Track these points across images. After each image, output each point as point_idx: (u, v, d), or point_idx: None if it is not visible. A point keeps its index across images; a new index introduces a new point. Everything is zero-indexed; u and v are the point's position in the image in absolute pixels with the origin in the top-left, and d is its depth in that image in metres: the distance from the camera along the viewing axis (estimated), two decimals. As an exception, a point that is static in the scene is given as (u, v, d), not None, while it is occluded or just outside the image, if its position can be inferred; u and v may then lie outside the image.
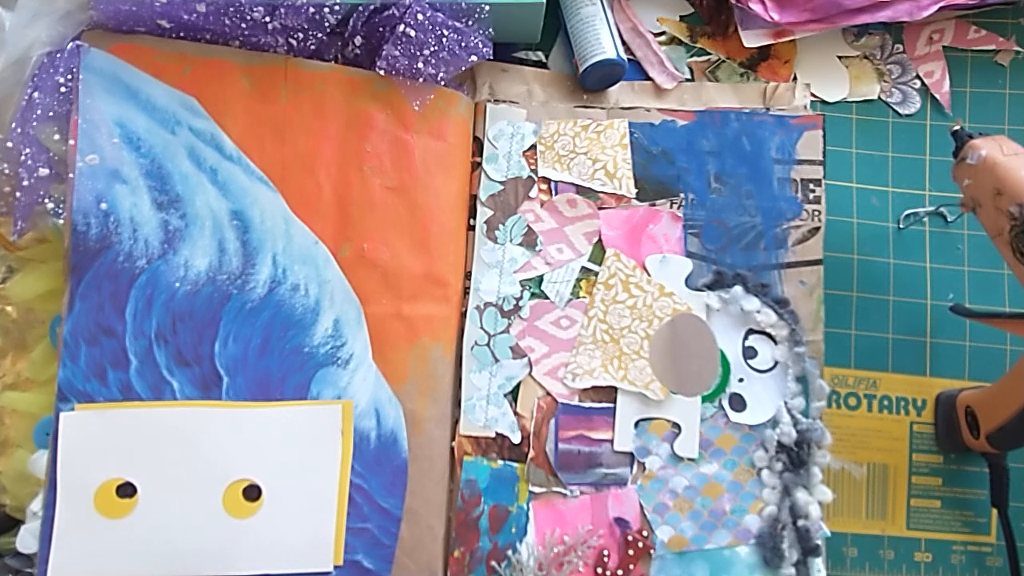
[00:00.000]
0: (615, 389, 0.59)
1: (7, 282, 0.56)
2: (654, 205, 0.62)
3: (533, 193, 0.61)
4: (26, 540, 0.52)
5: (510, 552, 0.57)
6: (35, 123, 0.53)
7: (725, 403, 0.59)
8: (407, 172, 0.58)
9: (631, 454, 0.58)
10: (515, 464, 0.58)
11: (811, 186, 0.62)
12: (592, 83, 0.64)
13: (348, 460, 0.55)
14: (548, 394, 0.59)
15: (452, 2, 0.56)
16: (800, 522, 0.57)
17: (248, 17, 0.55)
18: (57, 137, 0.54)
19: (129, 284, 0.54)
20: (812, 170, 0.62)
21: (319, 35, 0.57)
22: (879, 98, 0.67)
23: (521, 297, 0.60)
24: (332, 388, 0.56)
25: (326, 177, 0.57)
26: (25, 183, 0.53)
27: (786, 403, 0.59)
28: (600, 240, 0.61)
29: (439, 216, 0.59)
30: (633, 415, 0.59)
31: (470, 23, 0.58)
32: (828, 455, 0.59)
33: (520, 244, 0.61)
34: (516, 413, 0.58)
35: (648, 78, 0.66)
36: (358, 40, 0.58)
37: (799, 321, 0.60)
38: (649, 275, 0.61)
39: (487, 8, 0.57)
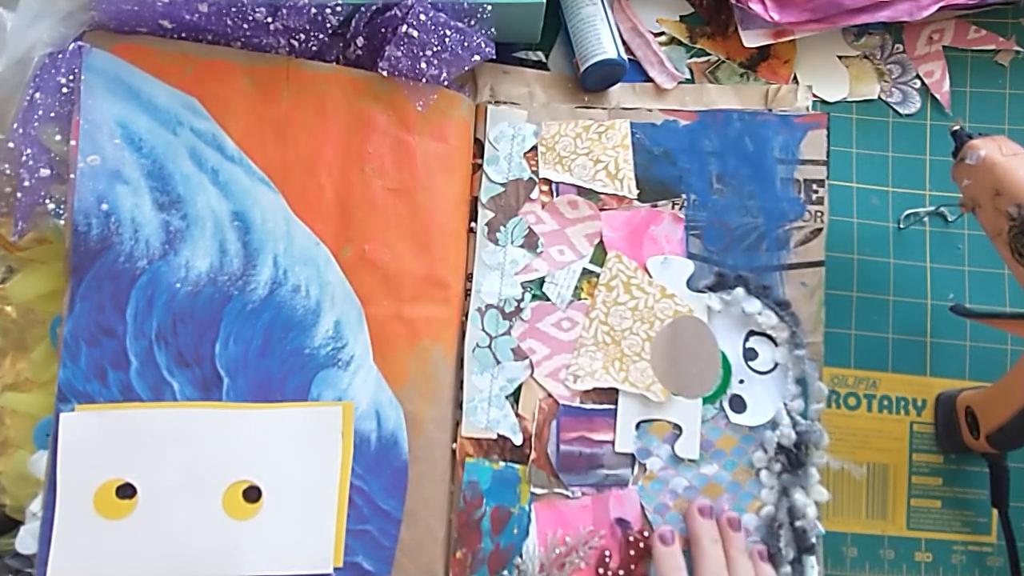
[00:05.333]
0: (616, 391, 0.59)
1: (7, 282, 0.56)
2: (656, 206, 0.62)
3: (534, 195, 0.61)
4: (26, 541, 0.52)
5: (513, 554, 0.57)
6: (37, 124, 0.53)
7: (726, 404, 0.59)
8: (408, 173, 0.58)
9: (632, 455, 0.59)
10: (517, 465, 0.58)
11: (814, 186, 0.62)
12: (593, 83, 0.64)
13: (348, 462, 0.55)
14: (549, 396, 0.59)
15: (454, 2, 0.56)
16: (797, 522, 0.57)
17: (250, 18, 0.54)
18: (59, 138, 0.54)
19: (130, 285, 0.54)
20: (815, 170, 0.62)
21: (321, 36, 0.57)
22: (879, 98, 0.67)
23: (522, 299, 0.60)
24: (333, 390, 0.56)
25: (327, 178, 0.57)
26: (26, 184, 0.53)
27: (786, 405, 0.59)
28: (601, 241, 0.61)
29: (440, 218, 0.59)
30: (634, 416, 0.59)
31: (472, 23, 0.57)
32: (825, 456, 0.59)
33: (521, 246, 0.61)
34: (517, 415, 0.58)
35: (648, 79, 0.66)
36: (360, 41, 0.58)
37: (800, 323, 0.60)
38: (650, 277, 0.61)
39: (489, 8, 0.57)
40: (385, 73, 0.57)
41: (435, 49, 0.56)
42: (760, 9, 0.65)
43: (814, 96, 0.66)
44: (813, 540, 0.57)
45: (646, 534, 0.57)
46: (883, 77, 0.68)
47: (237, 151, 0.56)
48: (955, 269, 0.65)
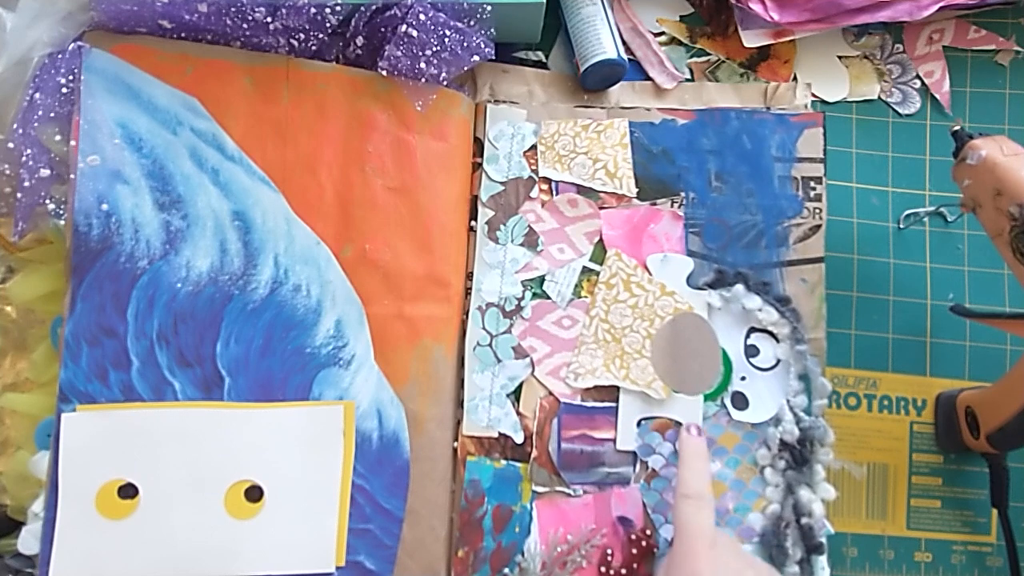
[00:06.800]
0: (617, 388, 0.59)
1: (7, 282, 0.57)
2: (655, 204, 0.62)
3: (534, 193, 0.62)
4: (27, 541, 0.52)
5: (514, 552, 0.57)
6: (36, 124, 0.53)
7: (727, 401, 0.59)
8: (409, 173, 0.58)
9: (634, 453, 0.59)
10: (518, 464, 0.58)
11: (812, 184, 0.62)
12: (593, 83, 0.64)
13: (350, 461, 0.55)
14: (550, 394, 0.59)
15: (454, 2, 0.56)
16: (803, 520, 0.57)
17: (250, 17, 0.55)
18: (58, 138, 0.54)
19: (131, 285, 0.54)
20: (813, 168, 0.62)
21: (320, 35, 0.57)
22: (879, 98, 0.67)
23: (523, 297, 0.60)
24: (334, 389, 0.56)
25: (328, 177, 0.58)
26: (26, 184, 0.53)
27: (788, 401, 0.59)
28: (601, 240, 0.61)
29: (440, 217, 0.59)
30: (635, 414, 0.59)
31: (472, 23, 0.58)
32: (831, 452, 0.59)
33: (521, 244, 0.61)
34: (519, 413, 0.58)
35: (648, 78, 0.66)
36: (360, 40, 0.58)
37: (801, 319, 0.60)
38: (650, 274, 0.61)
39: (489, 8, 0.57)
40: (385, 73, 0.57)
41: (435, 49, 0.56)
42: (760, 9, 0.65)
43: (813, 96, 0.66)
44: (820, 539, 0.57)
45: (648, 532, 0.57)
46: (883, 77, 0.68)
47: (237, 151, 0.56)
48: (955, 269, 0.65)
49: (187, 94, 0.56)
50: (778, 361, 0.60)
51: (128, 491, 0.53)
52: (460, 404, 0.59)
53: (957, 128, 0.56)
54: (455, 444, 0.58)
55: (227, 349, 0.55)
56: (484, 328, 0.60)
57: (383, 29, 0.57)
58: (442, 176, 0.59)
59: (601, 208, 0.62)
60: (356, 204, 0.58)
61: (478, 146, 0.62)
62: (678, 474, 0.55)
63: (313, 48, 0.58)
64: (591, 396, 0.59)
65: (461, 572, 0.56)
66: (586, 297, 0.61)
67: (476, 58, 0.58)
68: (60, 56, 0.54)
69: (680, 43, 0.67)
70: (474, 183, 0.62)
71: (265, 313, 0.56)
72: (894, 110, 0.67)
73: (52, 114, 0.54)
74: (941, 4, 0.65)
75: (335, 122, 0.58)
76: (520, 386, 0.59)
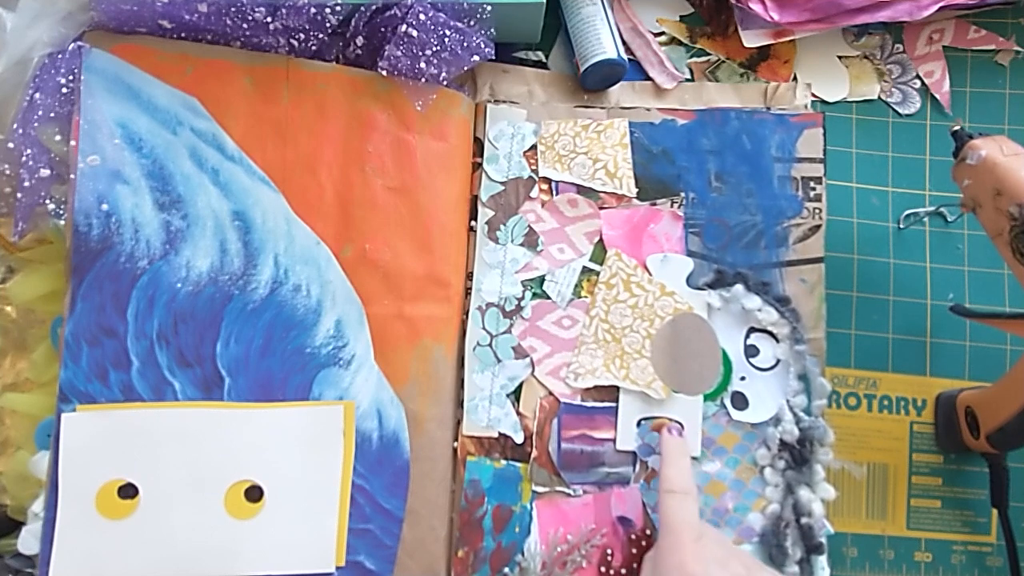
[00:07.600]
0: (617, 388, 0.59)
1: (7, 282, 0.57)
2: (655, 204, 0.62)
3: (534, 193, 0.62)
4: (27, 541, 0.52)
5: (514, 552, 0.57)
6: (36, 124, 0.53)
7: (727, 401, 0.59)
8: (409, 173, 0.58)
9: (633, 453, 0.59)
10: (518, 464, 0.58)
11: (811, 184, 0.62)
12: (593, 83, 0.64)
13: (350, 461, 0.55)
14: (550, 394, 0.59)
15: (454, 2, 0.56)
16: (803, 520, 0.57)
17: (250, 17, 0.55)
18: (58, 138, 0.54)
19: (131, 285, 0.54)
20: (812, 168, 0.62)
21: (320, 35, 0.57)
22: (879, 98, 0.67)
23: (523, 297, 0.60)
24: (334, 389, 0.56)
25: (328, 177, 0.58)
26: (26, 184, 0.53)
27: (788, 401, 0.59)
28: (601, 240, 0.61)
29: (440, 217, 0.59)
30: (635, 414, 0.59)
31: (472, 23, 0.58)
32: (830, 452, 0.59)
33: (521, 244, 0.61)
34: (519, 413, 0.58)
35: (648, 78, 0.66)
36: (360, 40, 0.58)
37: (800, 319, 0.60)
38: (650, 274, 0.61)
39: (489, 8, 0.57)
40: (385, 72, 0.57)
41: (435, 49, 0.56)
42: (760, 9, 0.65)
43: (813, 96, 0.66)
44: (820, 539, 0.57)
45: (648, 532, 0.57)
46: (883, 77, 0.68)
47: (237, 151, 0.56)
48: (955, 269, 0.65)
49: (187, 94, 0.56)
50: (778, 361, 0.60)
51: (128, 491, 0.53)
52: (460, 404, 0.59)
53: (957, 128, 0.56)
54: (455, 444, 0.58)
55: (227, 349, 0.55)
56: (484, 328, 0.60)
57: (383, 29, 0.57)
58: (442, 176, 0.59)
59: (601, 208, 0.62)
60: (356, 204, 0.58)
61: (478, 146, 0.62)
62: (661, 472, 0.55)
63: (313, 48, 0.58)
64: (591, 396, 0.59)
65: (461, 572, 0.56)
66: (586, 297, 0.61)
67: (476, 58, 0.58)
68: (60, 56, 0.54)
69: (680, 43, 0.67)
70: (474, 183, 0.62)
71: (265, 313, 0.56)
72: (894, 110, 0.67)
73: (52, 114, 0.54)
74: (941, 4, 0.65)
75: (335, 122, 0.58)
76: (520, 386, 0.59)
